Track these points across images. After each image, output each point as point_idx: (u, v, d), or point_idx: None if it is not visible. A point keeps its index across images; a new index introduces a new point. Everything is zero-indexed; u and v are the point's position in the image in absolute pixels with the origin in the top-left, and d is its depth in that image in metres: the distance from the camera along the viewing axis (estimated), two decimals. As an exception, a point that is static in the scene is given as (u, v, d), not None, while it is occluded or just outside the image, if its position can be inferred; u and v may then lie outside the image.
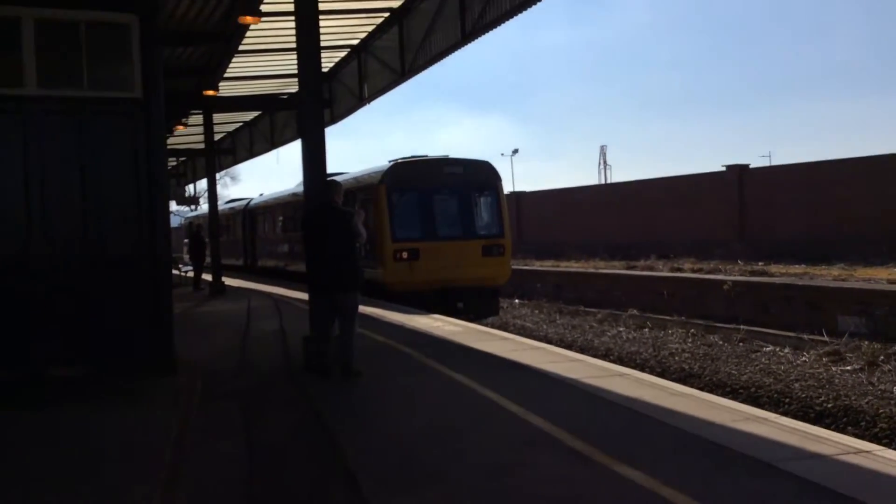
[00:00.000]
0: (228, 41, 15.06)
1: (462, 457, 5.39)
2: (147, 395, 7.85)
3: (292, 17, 14.47)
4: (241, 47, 16.16)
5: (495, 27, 12.21)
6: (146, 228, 8.61)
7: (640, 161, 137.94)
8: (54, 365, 8.34)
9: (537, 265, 30.28)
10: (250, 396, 7.69)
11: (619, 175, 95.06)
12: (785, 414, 9.29)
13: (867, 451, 5.18)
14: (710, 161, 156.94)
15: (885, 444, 7.65)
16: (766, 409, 8.25)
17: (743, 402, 8.98)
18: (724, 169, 30.36)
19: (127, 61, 8.62)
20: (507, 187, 19.37)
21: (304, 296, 17.51)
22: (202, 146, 27.35)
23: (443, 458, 5.36)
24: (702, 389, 9.84)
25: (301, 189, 24.03)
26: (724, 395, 10.31)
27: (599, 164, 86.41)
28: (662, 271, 23.69)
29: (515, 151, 74.52)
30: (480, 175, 18.41)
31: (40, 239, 8.27)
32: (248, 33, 15.03)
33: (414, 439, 5.91)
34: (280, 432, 6.46)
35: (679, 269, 23.51)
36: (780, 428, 5.82)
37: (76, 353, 8.44)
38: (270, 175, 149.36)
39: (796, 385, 11.33)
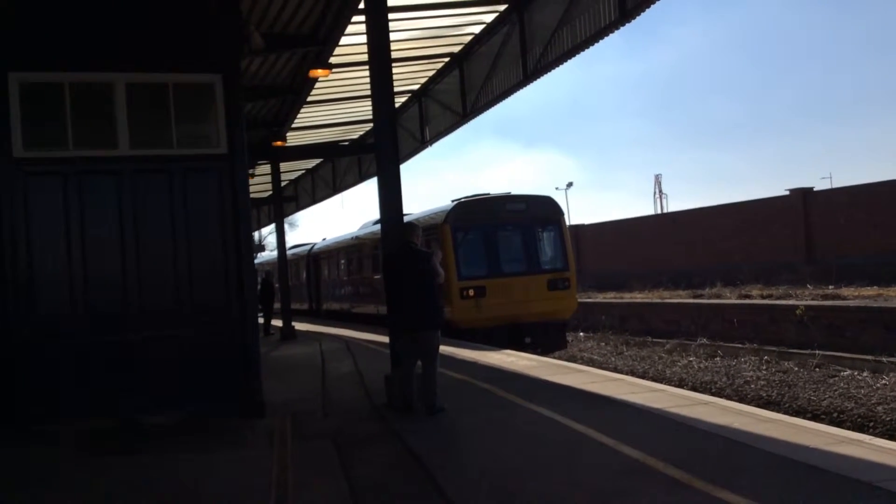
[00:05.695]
0: (298, 94, 15.63)
1: (560, 488, 5.51)
2: (241, 438, 8.09)
3: (356, 68, 15.06)
4: (307, 98, 16.71)
5: (557, 66, 12.42)
6: (233, 278, 8.95)
7: (694, 189, 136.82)
8: (149, 412, 8.66)
9: (600, 297, 30.17)
10: (340, 435, 7.90)
11: (675, 204, 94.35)
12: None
13: (969, 470, 5.17)
14: (766, 186, 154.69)
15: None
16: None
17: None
18: (787, 193, 30.00)
19: (212, 118, 9.05)
20: (565, 221, 19.54)
21: (373, 337, 17.95)
22: (265, 195, 28.09)
23: (541, 490, 5.49)
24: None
25: (363, 232, 24.73)
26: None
27: (654, 193, 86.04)
28: (730, 298, 23.44)
29: (570, 185, 75.11)
30: (543, 210, 18.63)
31: (135, 294, 8.66)
32: (316, 84, 15.55)
33: (509, 472, 6.04)
34: (376, 468, 6.64)
35: (748, 296, 23.23)
36: (874, 449, 5.83)
37: (170, 401, 8.74)
38: (328, 219, 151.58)
39: (879, 408, 11.14)
